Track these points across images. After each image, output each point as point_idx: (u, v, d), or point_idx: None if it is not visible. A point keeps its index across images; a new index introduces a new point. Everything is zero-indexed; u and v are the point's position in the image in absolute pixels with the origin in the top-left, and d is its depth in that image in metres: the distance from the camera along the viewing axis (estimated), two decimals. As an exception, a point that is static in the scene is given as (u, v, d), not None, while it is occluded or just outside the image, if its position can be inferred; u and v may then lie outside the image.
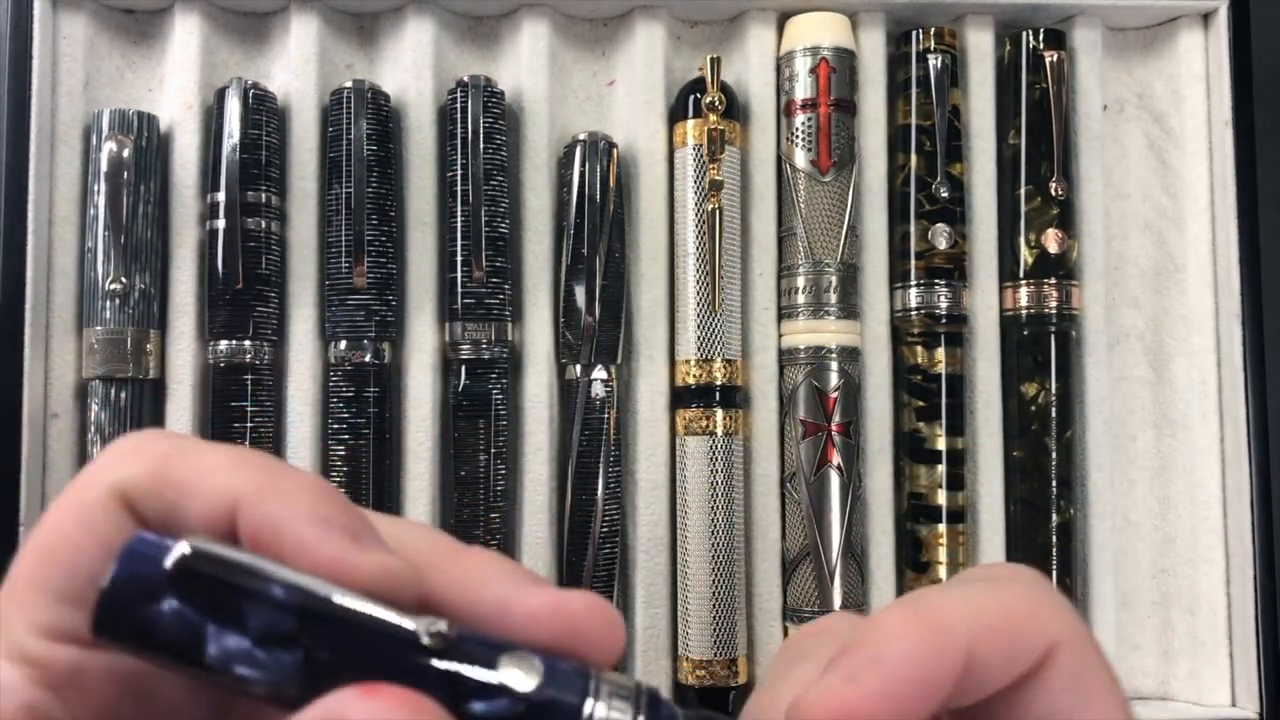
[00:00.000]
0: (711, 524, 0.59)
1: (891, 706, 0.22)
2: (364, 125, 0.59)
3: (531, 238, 0.61)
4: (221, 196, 0.58)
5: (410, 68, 0.61)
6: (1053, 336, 0.61)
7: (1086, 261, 0.62)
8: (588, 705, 0.22)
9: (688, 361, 0.60)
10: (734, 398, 0.60)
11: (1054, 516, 0.60)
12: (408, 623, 0.22)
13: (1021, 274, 0.62)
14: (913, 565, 0.61)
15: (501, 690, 0.21)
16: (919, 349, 0.61)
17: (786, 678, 0.26)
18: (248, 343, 0.58)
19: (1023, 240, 0.62)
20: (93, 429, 0.57)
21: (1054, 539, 0.60)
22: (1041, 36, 0.62)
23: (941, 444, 0.61)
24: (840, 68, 0.61)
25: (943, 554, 0.60)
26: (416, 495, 0.59)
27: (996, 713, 0.25)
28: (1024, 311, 0.61)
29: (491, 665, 0.22)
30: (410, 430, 0.60)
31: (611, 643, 0.23)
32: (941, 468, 0.60)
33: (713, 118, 0.60)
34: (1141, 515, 0.64)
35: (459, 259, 0.59)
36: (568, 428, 0.60)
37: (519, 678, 0.21)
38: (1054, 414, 0.61)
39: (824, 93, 0.61)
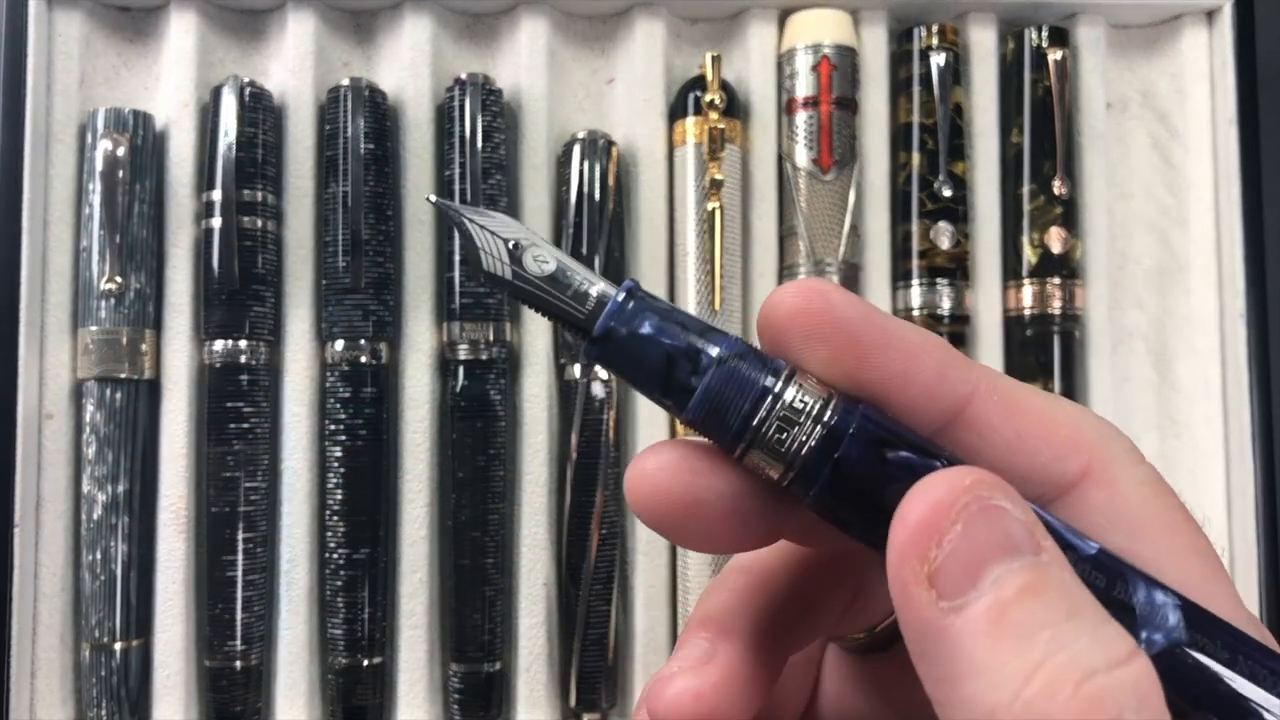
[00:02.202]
0: (711, 525, 0.58)
1: (858, 325, 0.21)
2: (361, 123, 0.58)
3: (530, 237, 0.60)
4: (217, 195, 0.58)
5: (408, 65, 0.61)
6: (1056, 337, 0.61)
7: (1090, 261, 0.62)
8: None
9: (688, 362, 0.60)
10: (734, 398, 0.60)
11: (1057, 518, 0.60)
12: None
13: (1025, 273, 0.61)
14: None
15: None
16: (921, 349, 0.61)
17: None
18: (244, 342, 0.58)
19: (1026, 239, 0.61)
20: (88, 429, 0.57)
21: (1057, 541, 0.60)
22: (1045, 34, 0.62)
23: (943, 445, 0.60)
24: (842, 65, 0.61)
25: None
26: (414, 496, 0.59)
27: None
28: (1027, 311, 0.61)
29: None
30: (408, 431, 0.59)
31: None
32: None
33: (713, 116, 0.59)
34: (1145, 517, 0.63)
35: (457, 258, 0.59)
36: (566, 428, 0.60)
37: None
38: (1057, 415, 0.60)
39: (825, 90, 0.60)
